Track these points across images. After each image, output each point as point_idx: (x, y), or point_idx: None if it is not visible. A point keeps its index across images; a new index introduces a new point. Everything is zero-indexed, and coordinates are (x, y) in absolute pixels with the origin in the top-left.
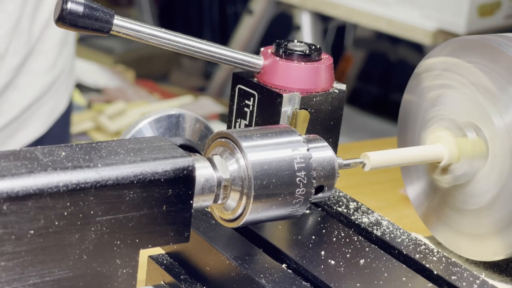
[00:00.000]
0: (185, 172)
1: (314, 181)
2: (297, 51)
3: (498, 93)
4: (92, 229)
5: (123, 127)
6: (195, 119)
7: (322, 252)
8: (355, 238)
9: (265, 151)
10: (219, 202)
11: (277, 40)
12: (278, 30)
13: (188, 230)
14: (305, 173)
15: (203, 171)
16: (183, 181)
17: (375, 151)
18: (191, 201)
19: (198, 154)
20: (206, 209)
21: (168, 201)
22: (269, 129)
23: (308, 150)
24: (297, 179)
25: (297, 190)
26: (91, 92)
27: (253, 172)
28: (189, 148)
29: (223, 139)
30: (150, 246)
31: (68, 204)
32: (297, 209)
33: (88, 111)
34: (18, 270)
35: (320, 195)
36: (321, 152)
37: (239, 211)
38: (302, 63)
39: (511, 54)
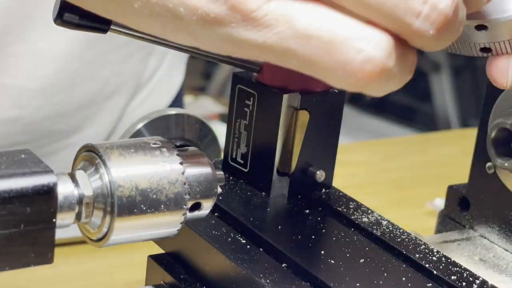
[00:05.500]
0: (46, 189)
1: (187, 197)
2: None
3: None
4: None
5: None
6: (195, 119)
7: (322, 252)
8: (355, 238)
9: (132, 166)
10: (83, 220)
11: None
12: None
13: (52, 251)
14: (177, 189)
15: (62, 188)
16: (44, 198)
17: (375, 151)
18: (54, 220)
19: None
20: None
21: (27, 220)
22: (139, 142)
23: (181, 163)
24: (168, 196)
25: (168, 207)
26: None
27: (117, 189)
28: None
29: (89, 153)
30: (7, 268)
31: None
32: (170, 228)
33: None
34: None
35: (196, 213)
36: (198, 166)
37: (104, 230)
38: None
39: None
